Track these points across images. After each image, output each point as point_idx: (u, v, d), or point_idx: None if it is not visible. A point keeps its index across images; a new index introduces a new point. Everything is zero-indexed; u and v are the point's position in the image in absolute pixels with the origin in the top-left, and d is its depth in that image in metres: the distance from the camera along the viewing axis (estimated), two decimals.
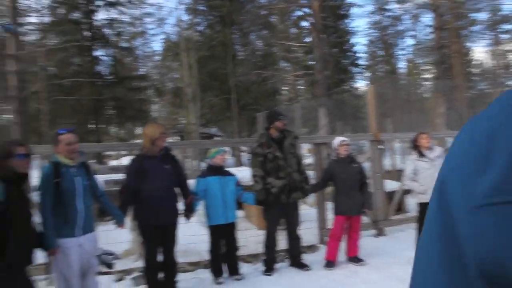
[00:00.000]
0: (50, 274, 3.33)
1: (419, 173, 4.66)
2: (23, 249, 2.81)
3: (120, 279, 4.48)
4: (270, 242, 4.48)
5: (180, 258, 5.05)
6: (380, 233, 5.91)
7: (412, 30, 24.07)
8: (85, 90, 18.27)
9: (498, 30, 24.13)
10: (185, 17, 18.74)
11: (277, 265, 4.70)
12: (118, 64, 20.56)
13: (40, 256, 3.16)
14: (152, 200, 3.73)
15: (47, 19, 19.13)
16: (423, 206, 4.67)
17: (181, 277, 4.61)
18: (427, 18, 25.86)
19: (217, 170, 4.31)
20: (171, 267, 3.94)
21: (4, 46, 9.08)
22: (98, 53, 20.24)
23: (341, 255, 4.74)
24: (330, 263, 4.57)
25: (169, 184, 3.85)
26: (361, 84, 35.02)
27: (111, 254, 3.54)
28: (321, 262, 4.67)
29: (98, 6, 20.15)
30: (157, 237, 3.81)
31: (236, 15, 14.37)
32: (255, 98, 15.19)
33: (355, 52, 24.16)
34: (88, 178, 3.46)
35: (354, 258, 4.69)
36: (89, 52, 19.52)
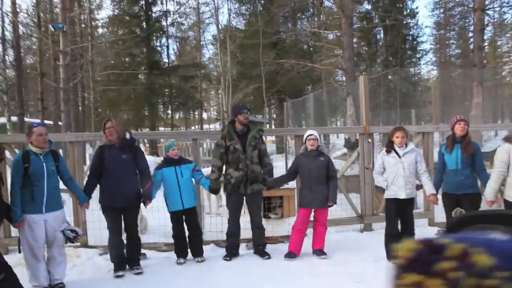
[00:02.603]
0: (20, 245, 3.94)
1: (386, 168, 4.54)
2: None
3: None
4: (230, 229, 4.73)
5: (160, 238, 5.56)
6: (366, 228, 5.81)
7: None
8: (139, 79, 19.68)
9: None
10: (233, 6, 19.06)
11: (243, 252, 4.95)
12: (172, 53, 21.80)
13: (13, 230, 3.81)
14: (110, 185, 4.19)
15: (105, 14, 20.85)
16: (388, 202, 4.56)
17: (153, 255, 5.11)
18: None
19: (172, 161, 4.64)
20: (132, 244, 4.39)
21: (57, 42, 10.31)
22: (153, 44, 21.51)
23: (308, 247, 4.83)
24: (291, 254, 4.68)
25: (125, 171, 4.26)
26: (426, 69, 32.55)
27: (73, 230, 4.09)
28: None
29: None
30: (117, 217, 4.27)
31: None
32: (287, 86, 15.18)
33: (414, 36, 22.64)
34: (56, 164, 4.02)
35: (317, 251, 4.74)
36: (147, 43, 20.87)
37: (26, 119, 14.06)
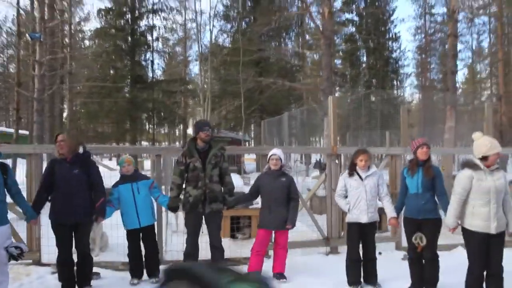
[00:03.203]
0: None
1: (348, 191, 4.48)
2: None
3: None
4: (188, 249, 4.57)
5: (119, 257, 5.35)
6: (332, 251, 5.70)
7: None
8: (122, 92, 19.53)
9: None
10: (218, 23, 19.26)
11: None
12: (156, 68, 21.78)
13: None
14: (59, 201, 4.01)
15: (92, 27, 20.82)
16: (349, 226, 4.47)
17: (108, 274, 4.90)
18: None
19: (128, 178, 4.50)
20: (82, 262, 4.18)
21: (33, 52, 10.16)
22: (138, 57, 21.49)
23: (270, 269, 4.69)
24: None
25: (76, 187, 4.08)
26: (409, 92, 33.20)
27: (18, 247, 3.88)
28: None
29: (142, 13, 21.45)
30: (66, 234, 4.07)
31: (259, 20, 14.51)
32: (268, 105, 15.26)
33: (396, 59, 23.16)
34: (4, 176, 3.84)
35: (277, 275, 4.59)
36: (131, 56, 20.84)
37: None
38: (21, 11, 12.79)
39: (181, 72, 23.82)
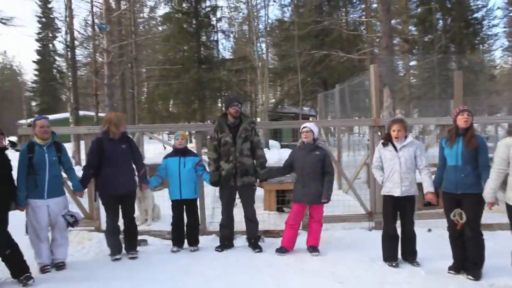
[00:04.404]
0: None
1: (383, 162, 4.27)
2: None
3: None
4: (223, 220, 4.79)
5: (167, 227, 5.78)
6: (376, 226, 5.51)
7: None
8: (190, 73, 20.32)
9: None
10: None
11: (240, 244, 4.98)
12: (221, 47, 22.23)
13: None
14: (110, 174, 4.45)
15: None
16: (384, 199, 4.28)
17: (155, 242, 5.35)
18: None
19: (178, 152, 4.81)
20: (130, 229, 4.65)
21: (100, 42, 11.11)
22: (203, 38, 22.09)
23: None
24: (282, 249, 4.61)
25: (124, 160, 4.51)
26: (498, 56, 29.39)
27: (72, 215, 4.43)
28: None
29: None
30: (115, 205, 4.54)
31: None
32: (330, 77, 14.68)
33: (478, 19, 20.58)
34: (58, 154, 4.38)
35: (310, 248, 4.61)
36: (196, 38, 21.51)
37: (81, 112, 15.30)
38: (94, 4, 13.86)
39: (245, 50, 23.98)
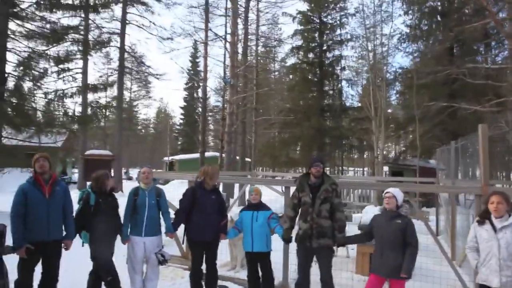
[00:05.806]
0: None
1: (479, 243, 3.64)
2: (106, 234, 4.62)
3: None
4: (298, 280, 4.66)
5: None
6: None
7: None
8: (311, 120, 20.77)
9: None
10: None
11: None
12: (343, 96, 22.28)
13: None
14: (199, 221, 4.88)
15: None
16: None
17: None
18: None
19: (251, 206, 5.01)
20: (211, 274, 4.94)
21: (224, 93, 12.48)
22: (326, 88, 22.55)
23: None
24: None
25: (213, 210, 4.90)
26: None
27: (163, 255, 4.94)
28: None
29: (329, 45, 22.56)
30: (200, 250, 4.91)
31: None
32: (454, 130, 13.02)
33: None
34: (157, 198, 5.03)
35: None
36: (318, 87, 22.11)
37: (211, 153, 17.02)
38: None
39: (363, 100, 23.52)
